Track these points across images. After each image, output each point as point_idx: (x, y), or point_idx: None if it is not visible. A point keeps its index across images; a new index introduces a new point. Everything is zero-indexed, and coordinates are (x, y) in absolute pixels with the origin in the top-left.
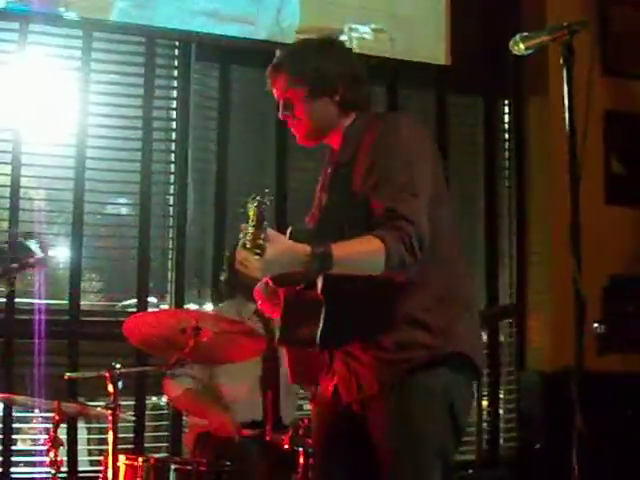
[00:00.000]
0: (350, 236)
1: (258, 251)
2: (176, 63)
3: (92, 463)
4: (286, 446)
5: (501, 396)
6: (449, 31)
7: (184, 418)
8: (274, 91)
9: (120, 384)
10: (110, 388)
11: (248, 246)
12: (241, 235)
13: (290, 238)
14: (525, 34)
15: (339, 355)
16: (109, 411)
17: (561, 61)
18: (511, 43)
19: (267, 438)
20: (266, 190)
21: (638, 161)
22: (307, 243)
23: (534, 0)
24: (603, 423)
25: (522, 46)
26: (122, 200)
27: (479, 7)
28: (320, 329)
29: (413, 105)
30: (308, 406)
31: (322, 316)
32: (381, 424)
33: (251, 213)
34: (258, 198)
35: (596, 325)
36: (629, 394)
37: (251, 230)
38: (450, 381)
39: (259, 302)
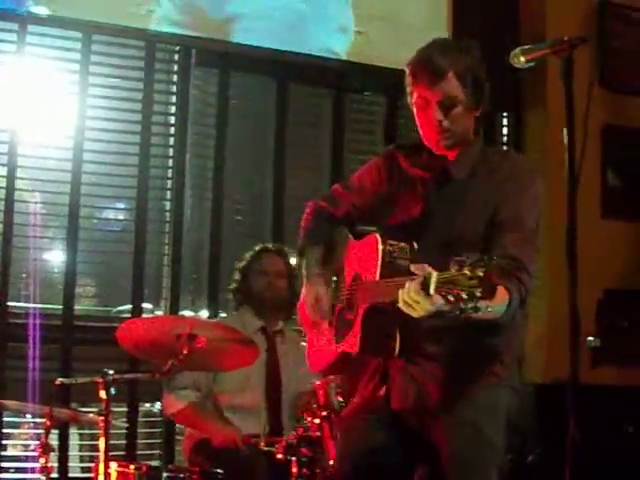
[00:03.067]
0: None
1: (471, 302)
2: (176, 68)
3: (84, 470)
4: (280, 455)
5: None
6: None
7: (178, 426)
8: (427, 84)
9: (112, 390)
10: (102, 394)
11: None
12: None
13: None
14: (526, 47)
15: (401, 363)
16: (101, 417)
17: (560, 75)
18: (511, 55)
19: (261, 447)
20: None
21: (634, 175)
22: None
23: (534, 14)
24: (596, 436)
25: (522, 59)
26: (119, 205)
27: (479, 20)
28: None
29: (411, 115)
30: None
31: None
32: (451, 435)
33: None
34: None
35: (590, 338)
36: (624, 408)
37: (475, 275)
38: (508, 402)
39: (301, 317)
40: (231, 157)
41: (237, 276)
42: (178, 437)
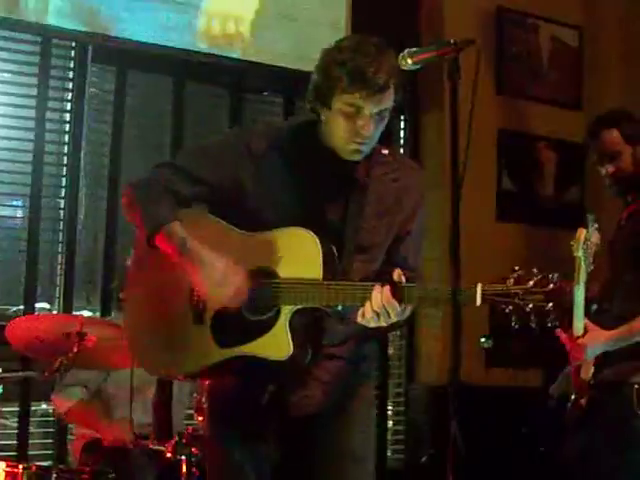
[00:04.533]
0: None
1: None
2: (72, 64)
3: None
4: (169, 455)
5: (390, 408)
6: None
7: (70, 426)
8: (366, 95)
9: None
10: None
11: None
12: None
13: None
14: (413, 49)
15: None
16: None
17: (446, 78)
18: (399, 58)
19: (150, 446)
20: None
21: (528, 179)
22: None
23: (433, 19)
24: (488, 437)
25: (409, 61)
26: (12, 202)
27: (378, 25)
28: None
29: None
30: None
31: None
32: (348, 431)
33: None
34: None
35: (483, 339)
36: (517, 408)
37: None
38: None
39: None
40: (127, 155)
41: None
42: (71, 437)
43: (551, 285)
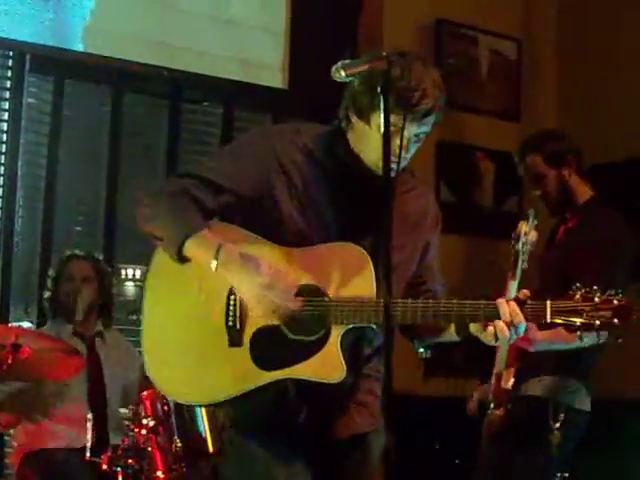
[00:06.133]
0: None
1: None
2: (9, 74)
3: None
4: (105, 466)
5: None
6: (287, 57)
7: (7, 437)
8: (420, 122)
9: None
10: None
11: None
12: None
13: None
14: (346, 61)
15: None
16: None
17: (378, 90)
18: (333, 70)
19: (86, 458)
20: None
21: (466, 190)
22: None
23: (371, 32)
24: (421, 445)
25: (342, 73)
26: None
27: (318, 34)
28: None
29: (249, 128)
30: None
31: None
32: (376, 447)
33: None
34: None
35: (422, 349)
36: (450, 418)
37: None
38: None
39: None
40: (65, 166)
41: (49, 284)
42: (8, 450)
43: (616, 301)
